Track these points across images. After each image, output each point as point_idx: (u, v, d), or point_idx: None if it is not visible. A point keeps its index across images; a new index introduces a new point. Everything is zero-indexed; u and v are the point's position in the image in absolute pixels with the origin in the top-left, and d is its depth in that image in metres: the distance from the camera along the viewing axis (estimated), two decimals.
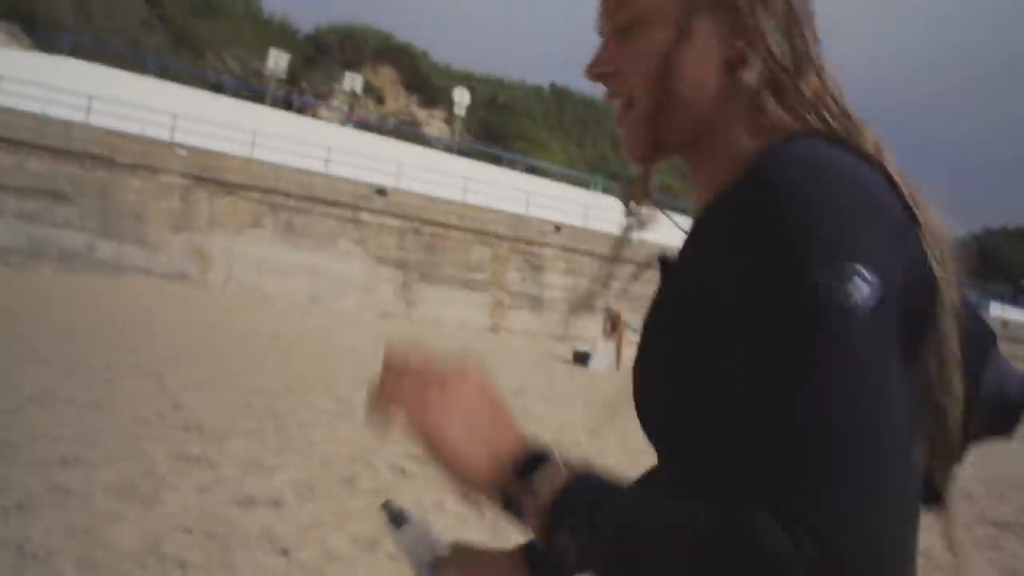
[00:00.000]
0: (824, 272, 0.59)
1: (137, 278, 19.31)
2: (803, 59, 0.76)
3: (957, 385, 0.68)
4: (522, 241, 23.27)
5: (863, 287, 0.60)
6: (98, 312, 13.23)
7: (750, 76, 0.75)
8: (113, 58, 31.56)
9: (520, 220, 23.58)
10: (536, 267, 23.33)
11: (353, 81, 34.07)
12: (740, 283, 0.64)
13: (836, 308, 0.59)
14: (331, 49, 51.33)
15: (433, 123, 53.04)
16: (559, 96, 59.99)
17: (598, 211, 25.62)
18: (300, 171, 21.33)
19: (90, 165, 19.37)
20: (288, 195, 20.92)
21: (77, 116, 19.87)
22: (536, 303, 23.22)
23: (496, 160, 31.10)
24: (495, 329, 22.36)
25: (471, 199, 23.40)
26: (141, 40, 40.75)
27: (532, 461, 0.68)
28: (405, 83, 53.54)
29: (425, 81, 53.82)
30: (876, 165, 0.70)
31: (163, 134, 20.54)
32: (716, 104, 0.77)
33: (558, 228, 23.85)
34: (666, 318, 0.75)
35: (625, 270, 0.94)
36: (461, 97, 33.01)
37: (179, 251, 19.90)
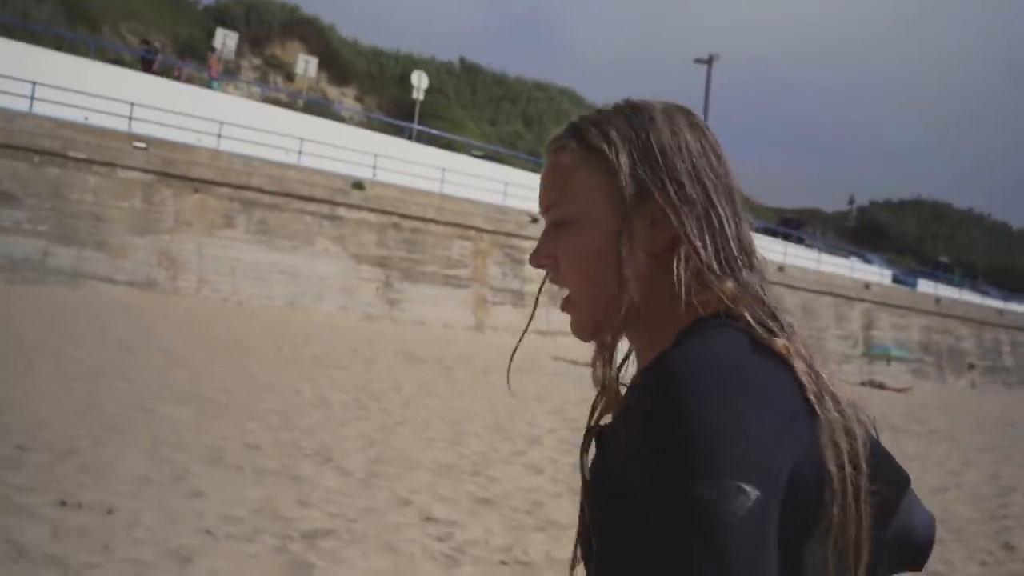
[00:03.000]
0: (706, 487, 0.67)
1: (100, 287, 17.29)
2: (726, 257, 0.85)
3: (855, 564, 0.76)
4: (501, 233, 22.31)
5: (740, 499, 0.67)
6: (105, 338, 11.53)
7: (680, 271, 0.83)
8: (16, 32, 28.30)
9: (499, 211, 22.60)
10: (516, 260, 22.42)
11: (307, 64, 31.78)
12: (640, 486, 0.72)
13: (715, 522, 0.67)
14: (235, 22, 48.27)
15: (345, 101, 50.86)
16: (470, 72, 58.64)
17: None
18: (272, 164, 19.62)
19: (39, 161, 17.12)
20: (261, 191, 19.19)
21: (14, 104, 17.50)
22: (518, 298, 22.35)
23: (449, 145, 29.79)
24: (479, 327, 21.38)
25: (448, 190, 22.21)
26: (31, 12, 36.98)
27: None
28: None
29: (335, 57, 51.44)
30: (782, 360, 0.78)
31: (119, 124, 18.41)
32: (647, 293, 0.85)
33: (535, 219, 22.96)
34: (600, 498, 0.83)
35: None
36: (419, 81, 31.37)
37: (144, 255, 17.93)
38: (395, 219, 20.68)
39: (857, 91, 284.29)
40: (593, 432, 0.91)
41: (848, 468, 0.75)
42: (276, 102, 36.21)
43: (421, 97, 31.39)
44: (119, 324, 13.53)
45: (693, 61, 30.79)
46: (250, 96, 34.63)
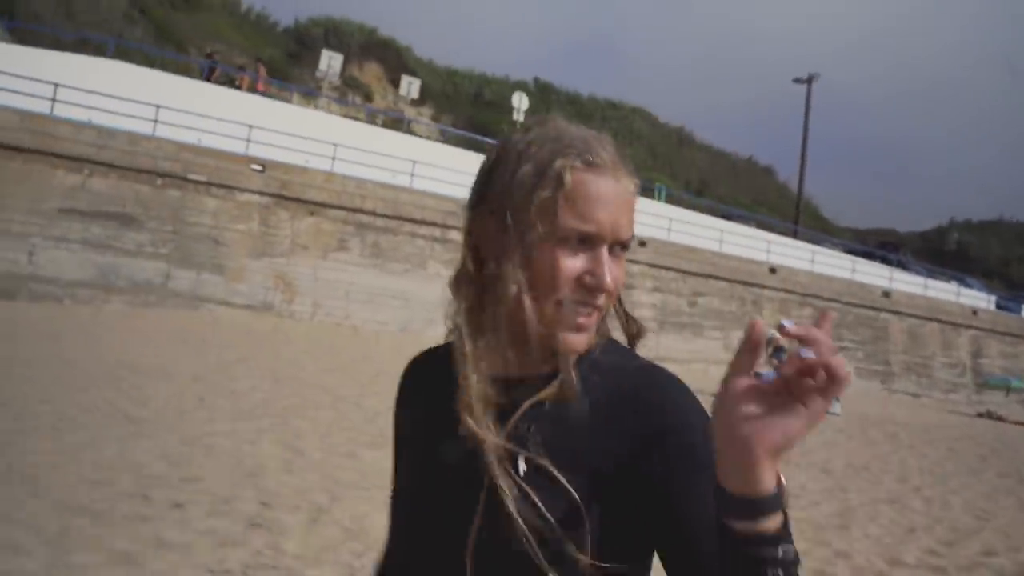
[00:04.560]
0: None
1: (217, 310, 17.12)
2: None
3: None
4: None
5: None
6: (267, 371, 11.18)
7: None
8: (110, 50, 28.68)
9: None
10: (625, 285, 21.77)
11: (411, 86, 31.77)
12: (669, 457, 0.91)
13: None
14: (315, 43, 48.72)
15: (421, 120, 50.90)
16: (543, 92, 58.34)
17: (680, 224, 24.25)
18: (385, 186, 19.34)
19: (161, 184, 17.06)
20: (374, 214, 18.91)
21: (136, 126, 17.45)
22: None
23: None
24: None
25: None
26: (124, 33, 37.73)
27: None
28: (391, 79, 51.18)
29: (411, 77, 51.57)
30: None
31: (236, 146, 18.30)
32: None
33: (643, 243, 22.35)
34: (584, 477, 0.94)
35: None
36: (520, 102, 31.06)
37: (261, 278, 17.74)
38: None
39: (921, 108, 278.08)
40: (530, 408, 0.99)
41: None
42: (356, 119, 36.23)
43: (521, 119, 30.93)
44: (253, 350, 13.24)
45: (792, 81, 30.13)
46: (329, 113, 34.72)
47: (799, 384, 0.71)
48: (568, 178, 0.93)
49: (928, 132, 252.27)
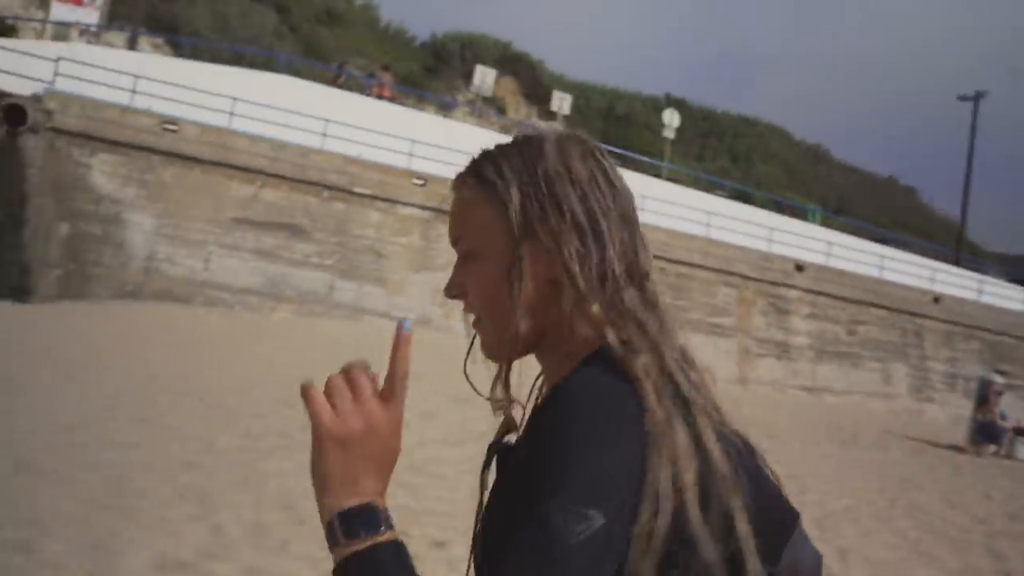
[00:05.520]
0: (556, 509, 0.74)
1: (377, 322, 17.28)
2: (608, 284, 0.89)
3: None
4: (766, 282, 20.93)
5: (584, 524, 0.73)
6: None
7: (566, 301, 0.89)
8: (259, 63, 29.74)
9: (764, 258, 21.23)
10: (781, 311, 20.97)
11: (562, 102, 31.79)
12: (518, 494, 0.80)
13: (557, 541, 0.73)
14: (451, 57, 49.49)
15: None
16: (676, 107, 57.34)
17: (839, 248, 23.21)
18: None
19: (328, 196, 17.39)
20: None
21: (305, 140, 17.82)
22: (783, 350, 20.86)
23: (698, 184, 28.73)
24: (743, 380, 20.03)
25: (714, 235, 21.07)
26: (275, 47, 39.20)
27: (364, 519, 0.76)
28: (525, 94, 51.44)
29: (545, 92, 51.68)
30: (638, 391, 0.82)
31: (398, 160, 18.48)
32: (548, 315, 0.91)
33: (800, 267, 21.46)
34: (495, 517, 0.89)
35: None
36: (671, 119, 30.54)
37: (419, 292, 17.84)
38: (662, 264, 19.74)
39: None
40: (494, 449, 0.97)
41: (671, 496, 0.78)
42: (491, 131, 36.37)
43: (672, 136, 30.38)
44: (423, 366, 13.20)
45: (956, 98, 28.60)
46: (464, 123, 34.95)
47: None
48: None
49: None
